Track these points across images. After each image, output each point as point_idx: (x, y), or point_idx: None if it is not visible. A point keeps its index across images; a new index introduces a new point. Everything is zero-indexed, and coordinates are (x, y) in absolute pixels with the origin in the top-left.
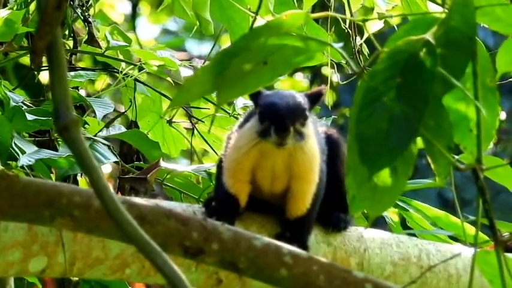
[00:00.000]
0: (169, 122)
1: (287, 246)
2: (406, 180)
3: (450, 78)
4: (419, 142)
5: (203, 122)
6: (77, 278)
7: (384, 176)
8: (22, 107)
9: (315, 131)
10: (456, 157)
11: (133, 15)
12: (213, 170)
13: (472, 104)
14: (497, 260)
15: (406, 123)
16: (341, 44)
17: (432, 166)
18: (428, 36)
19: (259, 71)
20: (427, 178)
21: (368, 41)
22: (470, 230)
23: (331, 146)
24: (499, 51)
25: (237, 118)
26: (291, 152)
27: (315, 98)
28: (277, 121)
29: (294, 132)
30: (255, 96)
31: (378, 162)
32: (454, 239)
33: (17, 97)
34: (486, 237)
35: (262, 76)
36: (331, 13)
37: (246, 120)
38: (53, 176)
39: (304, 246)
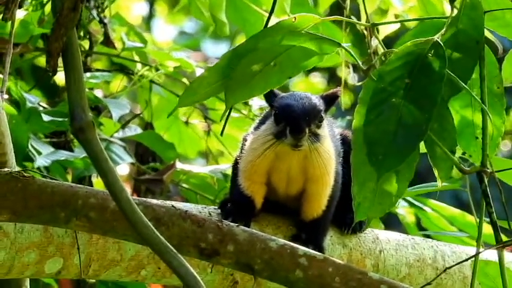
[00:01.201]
0: (186, 123)
1: (302, 248)
2: (408, 182)
3: (457, 80)
4: (421, 146)
5: (218, 123)
6: (92, 280)
7: (385, 179)
8: (38, 108)
9: (331, 132)
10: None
11: (150, 16)
12: (229, 171)
13: (478, 110)
14: (499, 260)
15: (414, 125)
16: (348, 44)
17: (434, 170)
18: (437, 38)
19: (267, 73)
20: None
21: (385, 42)
22: (487, 230)
23: (347, 147)
24: (506, 60)
25: (253, 119)
26: (306, 154)
27: (330, 100)
28: (292, 122)
29: (310, 134)
30: (270, 98)
31: (386, 163)
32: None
33: (33, 98)
34: (505, 238)
35: (270, 78)
36: (343, 17)
37: (262, 122)
38: (68, 176)
39: (320, 248)
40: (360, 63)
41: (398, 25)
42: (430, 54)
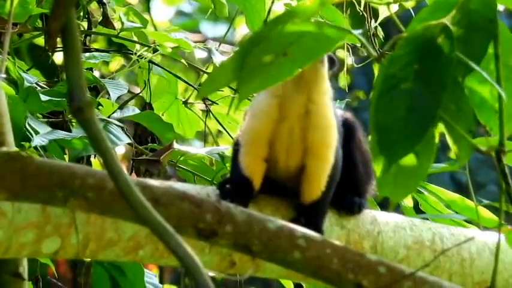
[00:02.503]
0: (185, 103)
1: (300, 229)
2: (430, 164)
3: (469, 62)
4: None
5: (217, 104)
6: (89, 259)
7: (407, 161)
8: (36, 87)
9: (333, 112)
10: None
11: None
12: (227, 152)
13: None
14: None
15: (424, 110)
16: (360, 31)
17: (453, 149)
18: (447, 21)
19: (278, 64)
20: (440, 162)
21: (383, 24)
22: (485, 213)
23: (347, 129)
24: None
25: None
26: (308, 109)
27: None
28: None
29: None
30: None
31: (397, 151)
32: (469, 222)
33: (31, 78)
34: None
35: (282, 68)
36: None
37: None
38: (66, 157)
39: (319, 231)
40: (370, 49)
41: (397, 7)
42: (440, 38)
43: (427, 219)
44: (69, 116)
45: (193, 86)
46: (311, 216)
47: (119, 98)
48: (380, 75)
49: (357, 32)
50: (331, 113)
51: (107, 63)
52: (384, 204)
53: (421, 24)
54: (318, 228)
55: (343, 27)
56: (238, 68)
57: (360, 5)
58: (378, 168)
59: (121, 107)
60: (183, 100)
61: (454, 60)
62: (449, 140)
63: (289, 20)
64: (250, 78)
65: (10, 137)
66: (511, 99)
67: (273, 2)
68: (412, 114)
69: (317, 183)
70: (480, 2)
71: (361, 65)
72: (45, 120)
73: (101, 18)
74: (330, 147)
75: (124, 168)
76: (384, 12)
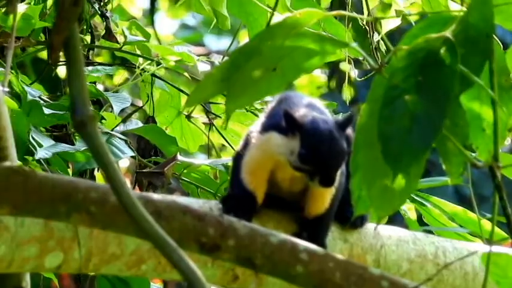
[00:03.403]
0: (188, 117)
1: (303, 243)
2: (418, 180)
3: (470, 75)
4: None
5: (221, 117)
6: (92, 273)
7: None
8: (39, 101)
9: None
10: (473, 154)
11: (152, 10)
12: (230, 163)
13: (485, 103)
14: None
15: (428, 122)
16: (356, 43)
17: (444, 165)
18: (448, 33)
19: (268, 78)
20: (444, 175)
21: (387, 37)
22: (488, 226)
23: (348, 145)
24: (508, 52)
25: (253, 113)
26: None
27: (347, 124)
28: (324, 174)
29: None
30: (289, 120)
31: (402, 161)
32: (473, 235)
33: (34, 91)
34: (505, 235)
35: (271, 83)
36: (346, 12)
37: (271, 119)
38: (69, 170)
39: (323, 246)
40: (370, 61)
41: (399, 21)
42: (442, 50)
43: (432, 232)
44: (72, 129)
45: None
46: (314, 231)
47: (122, 111)
48: (376, 86)
49: (355, 44)
50: None
51: (110, 76)
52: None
53: (413, 40)
54: (322, 243)
55: (339, 40)
56: (226, 79)
57: (362, 19)
58: (355, 184)
59: (124, 120)
60: (186, 114)
61: (458, 72)
62: (440, 156)
63: (280, 33)
64: (239, 93)
65: (13, 152)
66: (503, 118)
67: (272, 15)
68: (416, 125)
69: (321, 203)
70: (479, 17)
71: (364, 78)
72: (49, 133)
73: (104, 32)
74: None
75: (128, 181)
76: (386, 26)
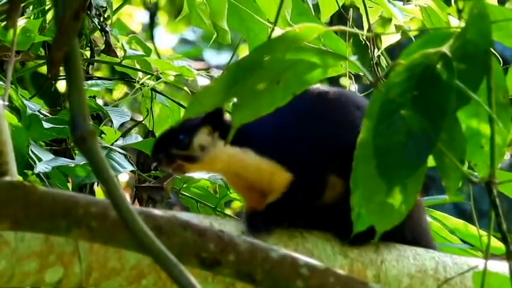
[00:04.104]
0: None
1: (303, 258)
2: (416, 195)
3: (467, 90)
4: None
5: None
6: None
7: (394, 191)
8: (39, 115)
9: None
10: (472, 172)
11: (151, 25)
12: None
13: (483, 120)
14: (509, 272)
15: (424, 136)
16: (355, 57)
17: (442, 180)
18: (445, 49)
19: (272, 91)
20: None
21: (387, 51)
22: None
23: None
24: (509, 72)
25: None
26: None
27: (215, 117)
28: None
29: (180, 157)
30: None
31: (397, 175)
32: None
33: (34, 105)
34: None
35: (275, 95)
36: (347, 28)
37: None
38: (69, 184)
39: (256, 229)
40: (368, 75)
41: (399, 36)
42: (439, 66)
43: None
44: (71, 143)
45: None
46: (264, 214)
47: (122, 125)
48: (375, 100)
49: (354, 58)
50: (234, 150)
51: (110, 91)
52: None
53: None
54: (258, 226)
55: (338, 53)
56: (224, 92)
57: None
58: (355, 201)
59: (124, 135)
60: None
61: (454, 87)
62: (439, 171)
63: (280, 46)
64: (244, 105)
65: (13, 166)
66: (501, 135)
67: (272, 30)
68: (412, 140)
69: (275, 194)
70: (477, 32)
71: (364, 93)
72: (48, 147)
73: (104, 46)
74: (264, 170)
75: (127, 195)
76: (386, 41)
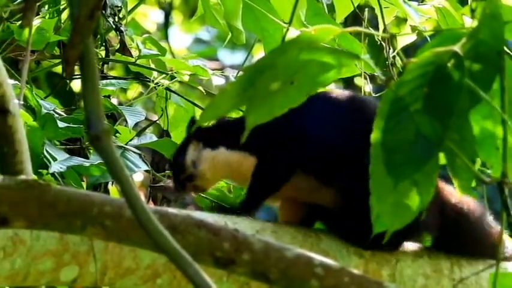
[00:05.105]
0: None
1: (318, 258)
2: (429, 195)
3: (478, 90)
4: (442, 158)
5: None
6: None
7: (406, 190)
8: (53, 114)
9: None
10: (488, 171)
11: (166, 24)
12: None
13: (498, 121)
14: None
15: (432, 134)
16: (368, 56)
17: (453, 180)
18: (457, 48)
19: (286, 91)
20: None
21: (402, 52)
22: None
23: None
24: None
25: None
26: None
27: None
28: None
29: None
30: None
31: (404, 171)
32: None
33: (49, 105)
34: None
35: (289, 96)
36: (362, 28)
37: None
38: (84, 184)
39: (240, 209)
40: (380, 74)
41: (415, 36)
42: (450, 65)
43: None
44: (86, 143)
45: None
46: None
47: (136, 125)
48: (387, 99)
49: (367, 56)
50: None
51: (124, 90)
52: None
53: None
54: (240, 208)
55: (351, 52)
56: (240, 94)
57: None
58: (374, 202)
59: (138, 134)
60: None
61: (464, 86)
62: (449, 170)
63: (293, 48)
64: (259, 106)
65: (28, 165)
66: None
67: (287, 30)
68: (419, 138)
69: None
70: (489, 33)
71: (379, 94)
72: (63, 147)
73: (119, 46)
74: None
75: (142, 195)
76: (402, 41)
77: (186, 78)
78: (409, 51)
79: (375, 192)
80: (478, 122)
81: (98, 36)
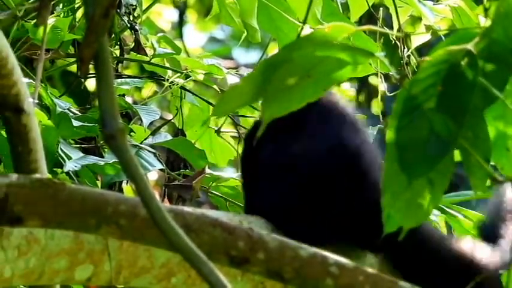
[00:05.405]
0: (217, 131)
1: (333, 256)
2: (442, 192)
3: (491, 88)
4: (457, 155)
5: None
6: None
7: (420, 188)
8: (68, 113)
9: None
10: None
11: (181, 23)
12: None
13: (510, 122)
14: None
15: (445, 133)
16: (383, 54)
17: (470, 178)
18: (470, 46)
19: (302, 85)
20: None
21: (417, 51)
22: None
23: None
24: None
25: None
26: None
27: None
28: None
29: None
30: None
31: (417, 169)
32: None
33: (64, 104)
34: None
35: (305, 90)
36: (377, 27)
37: None
38: (98, 183)
39: None
40: (395, 73)
41: (429, 36)
42: (463, 63)
43: None
44: (101, 141)
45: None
46: None
47: (151, 124)
48: (401, 98)
49: (381, 54)
50: None
51: (139, 89)
52: None
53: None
54: None
55: (365, 50)
56: (253, 90)
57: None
58: (386, 202)
59: (153, 133)
60: (216, 129)
61: (477, 85)
62: (465, 168)
63: (307, 45)
64: (275, 100)
65: (43, 164)
66: None
67: (302, 28)
68: (433, 136)
69: None
70: (503, 32)
71: (394, 93)
72: (78, 146)
73: (133, 44)
74: None
75: (156, 194)
76: (416, 41)
77: (200, 77)
78: (424, 50)
79: (388, 190)
80: (489, 123)
81: (113, 35)
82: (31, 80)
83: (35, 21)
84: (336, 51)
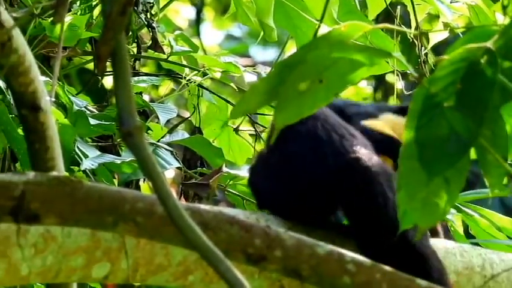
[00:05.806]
0: (236, 130)
1: (350, 254)
2: (459, 191)
3: (510, 86)
4: (472, 153)
5: (268, 128)
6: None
7: (436, 187)
8: (85, 111)
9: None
10: None
11: (198, 21)
12: None
13: None
14: None
15: (465, 130)
16: (399, 53)
17: (485, 176)
18: (489, 44)
19: (314, 90)
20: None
21: (434, 49)
22: None
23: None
24: None
25: None
26: None
27: None
28: None
29: None
30: None
31: (437, 166)
32: None
33: (81, 102)
34: None
35: (317, 95)
36: (394, 26)
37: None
38: (115, 181)
39: None
40: (412, 71)
41: (447, 33)
42: (483, 61)
43: (478, 244)
44: (118, 139)
45: None
46: None
47: (168, 122)
48: (418, 97)
49: (398, 54)
50: None
51: (156, 87)
52: None
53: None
54: None
55: (381, 49)
56: (270, 90)
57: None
58: (401, 199)
59: (170, 131)
60: (234, 127)
61: (497, 82)
62: (481, 167)
63: (324, 45)
64: (287, 106)
65: (60, 162)
66: None
67: (318, 27)
68: (452, 134)
69: None
70: None
71: (410, 92)
72: (95, 144)
73: (151, 42)
74: None
75: (173, 192)
76: (434, 38)
77: (218, 75)
78: (440, 48)
79: (405, 188)
80: (506, 120)
81: (130, 32)
82: (48, 78)
83: (52, 19)
84: (351, 52)
